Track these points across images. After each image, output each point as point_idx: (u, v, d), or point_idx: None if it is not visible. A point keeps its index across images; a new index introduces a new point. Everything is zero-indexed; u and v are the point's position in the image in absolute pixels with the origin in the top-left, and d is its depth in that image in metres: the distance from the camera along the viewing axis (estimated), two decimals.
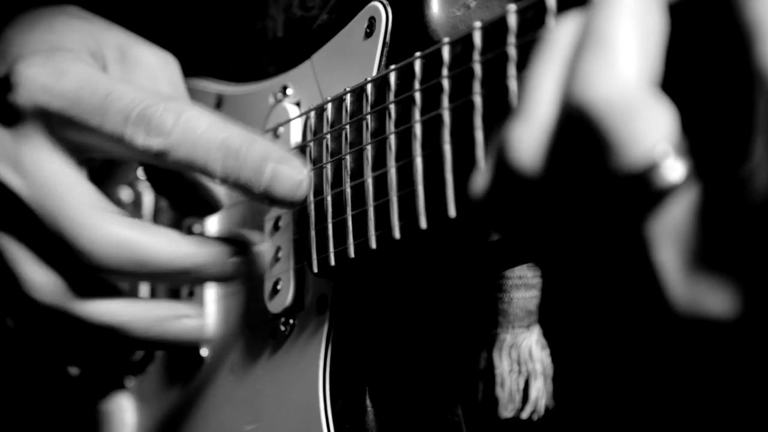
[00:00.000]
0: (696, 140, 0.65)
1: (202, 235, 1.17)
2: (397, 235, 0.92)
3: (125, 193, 1.35)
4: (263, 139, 1.01)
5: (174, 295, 1.27)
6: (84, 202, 1.02)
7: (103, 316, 1.05)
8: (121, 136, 0.99)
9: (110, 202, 1.05)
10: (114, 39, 1.10)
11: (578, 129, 0.64)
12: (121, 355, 1.29)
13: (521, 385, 1.09)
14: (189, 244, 1.03)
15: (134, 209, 1.34)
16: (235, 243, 1.05)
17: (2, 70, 1.05)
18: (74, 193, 1.02)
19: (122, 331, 1.05)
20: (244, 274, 1.06)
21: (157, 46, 1.12)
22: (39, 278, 1.03)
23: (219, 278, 1.06)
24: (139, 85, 1.07)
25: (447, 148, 0.86)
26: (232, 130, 1.00)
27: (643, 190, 0.62)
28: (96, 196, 1.03)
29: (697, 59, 0.66)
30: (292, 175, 0.99)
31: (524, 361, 1.10)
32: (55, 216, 1.01)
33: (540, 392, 1.09)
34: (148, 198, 1.33)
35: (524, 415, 1.09)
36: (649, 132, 0.62)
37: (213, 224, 1.22)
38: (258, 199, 1.01)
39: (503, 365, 1.09)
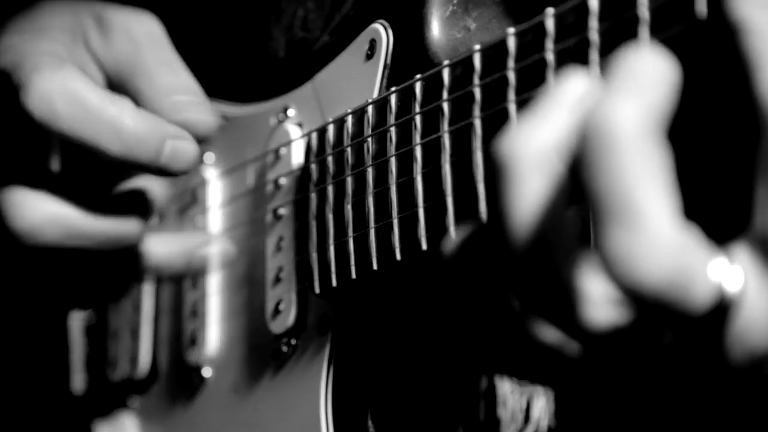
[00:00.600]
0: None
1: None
2: (398, 256, 0.92)
3: None
4: (152, 115, 1.06)
5: (177, 316, 1.28)
6: (26, 185, 1.10)
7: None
8: None
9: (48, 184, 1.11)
10: (89, 10, 1.14)
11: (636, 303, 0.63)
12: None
13: (523, 405, 1.09)
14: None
15: None
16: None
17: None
18: (20, 179, 1.11)
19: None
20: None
21: (131, 7, 1.15)
22: None
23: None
24: (115, 51, 1.10)
25: (447, 170, 0.87)
26: (124, 104, 1.05)
27: (719, 313, 0.62)
28: (41, 179, 1.11)
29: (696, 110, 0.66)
30: (191, 151, 1.06)
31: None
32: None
33: (542, 412, 1.09)
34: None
35: None
36: (702, 273, 0.61)
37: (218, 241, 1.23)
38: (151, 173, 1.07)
39: (505, 385, 1.09)
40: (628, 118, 0.60)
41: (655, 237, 0.59)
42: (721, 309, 0.62)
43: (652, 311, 0.62)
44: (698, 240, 0.62)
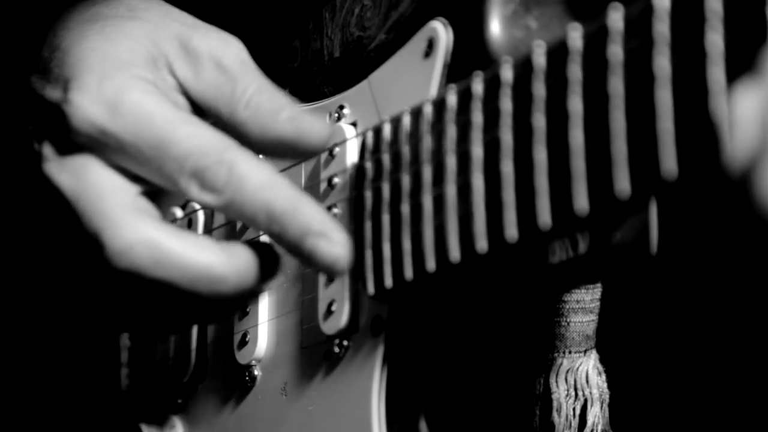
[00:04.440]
0: None
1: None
2: (456, 257, 0.91)
3: (179, 213, 1.36)
4: (309, 205, 0.98)
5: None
6: (121, 204, 1.01)
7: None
8: (176, 184, 0.99)
9: (154, 210, 1.04)
10: (171, 33, 1.07)
11: None
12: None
13: (578, 411, 1.07)
14: (215, 251, 1.00)
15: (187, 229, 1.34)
16: (263, 253, 1.02)
17: (58, 89, 1.05)
18: (114, 197, 1.02)
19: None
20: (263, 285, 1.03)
21: (215, 28, 1.10)
22: None
23: (241, 291, 1.02)
24: (205, 80, 1.04)
25: (507, 171, 0.85)
26: (279, 191, 0.97)
27: None
28: (139, 202, 1.03)
29: None
30: (330, 251, 0.96)
31: (581, 386, 1.09)
32: (91, 213, 1.00)
33: (597, 418, 1.08)
34: (201, 218, 1.33)
35: None
36: None
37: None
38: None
39: (560, 390, 1.07)
40: None
41: None
42: None
43: None
44: None
